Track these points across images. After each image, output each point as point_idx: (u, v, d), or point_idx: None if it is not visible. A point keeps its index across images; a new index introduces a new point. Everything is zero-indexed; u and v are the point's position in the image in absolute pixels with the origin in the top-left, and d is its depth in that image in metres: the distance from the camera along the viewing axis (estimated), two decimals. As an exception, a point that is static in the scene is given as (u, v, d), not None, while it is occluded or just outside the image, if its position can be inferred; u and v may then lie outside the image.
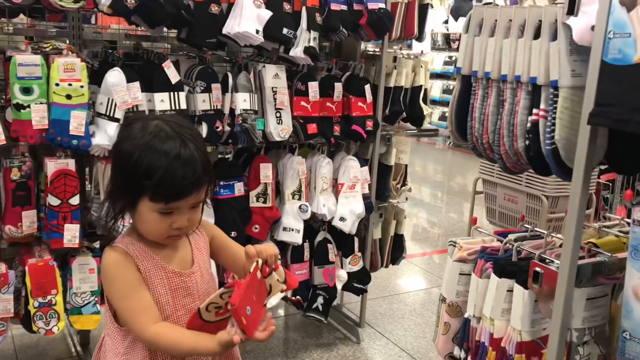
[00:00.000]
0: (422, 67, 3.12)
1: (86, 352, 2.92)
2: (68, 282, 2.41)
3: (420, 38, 3.11)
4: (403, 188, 3.18)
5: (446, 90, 9.30)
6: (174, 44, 2.88)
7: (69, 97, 2.22)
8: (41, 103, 2.20)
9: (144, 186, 1.31)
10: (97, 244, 2.61)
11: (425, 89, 3.15)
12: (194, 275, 1.46)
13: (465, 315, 1.74)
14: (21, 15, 2.79)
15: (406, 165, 3.19)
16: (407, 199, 3.27)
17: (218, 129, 2.56)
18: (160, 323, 1.36)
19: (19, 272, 2.39)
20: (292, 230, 2.83)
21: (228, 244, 1.57)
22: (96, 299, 2.45)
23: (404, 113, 3.10)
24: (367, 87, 2.92)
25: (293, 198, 2.85)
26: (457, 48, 8.42)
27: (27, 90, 2.18)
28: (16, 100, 2.17)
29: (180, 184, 1.30)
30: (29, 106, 2.19)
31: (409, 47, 6.18)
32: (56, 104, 2.21)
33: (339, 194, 2.95)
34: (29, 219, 2.29)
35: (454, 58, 9.49)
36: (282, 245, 2.89)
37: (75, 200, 2.31)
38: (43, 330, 2.36)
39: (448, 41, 9.97)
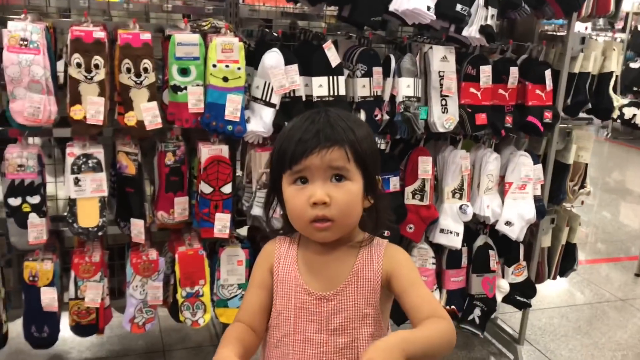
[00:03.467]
0: (614, 50, 2.65)
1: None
2: (216, 272, 2.31)
3: (615, 16, 2.63)
4: (581, 191, 2.75)
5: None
6: (331, 22, 2.67)
7: (225, 79, 2.08)
8: (198, 85, 2.09)
9: (276, 157, 1.20)
10: (244, 230, 2.51)
11: (617, 76, 2.68)
12: (331, 302, 1.17)
13: None
14: (179, -7, 2.72)
15: (586, 165, 2.75)
16: (582, 203, 2.83)
17: (377, 118, 2.31)
18: (239, 322, 1.24)
19: (168, 259, 2.34)
20: (451, 232, 2.53)
21: (407, 292, 1.16)
22: (243, 292, 2.33)
23: (589, 103, 2.66)
24: (548, 73, 2.52)
25: (453, 197, 2.54)
26: (623, 28, 7.39)
27: (184, 72, 2.07)
28: (173, 82, 2.07)
29: (299, 138, 1.15)
30: (185, 88, 2.08)
31: (561, 26, 5.53)
32: (212, 87, 2.08)
33: (505, 194, 2.60)
34: (180, 206, 2.21)
35: (619, 40, 8.48)
36: (438, 248, 2.61)
37: (227, 189, 2.18)
38: (189, 321, 2.29)
39: (610, 21, 8.94)
